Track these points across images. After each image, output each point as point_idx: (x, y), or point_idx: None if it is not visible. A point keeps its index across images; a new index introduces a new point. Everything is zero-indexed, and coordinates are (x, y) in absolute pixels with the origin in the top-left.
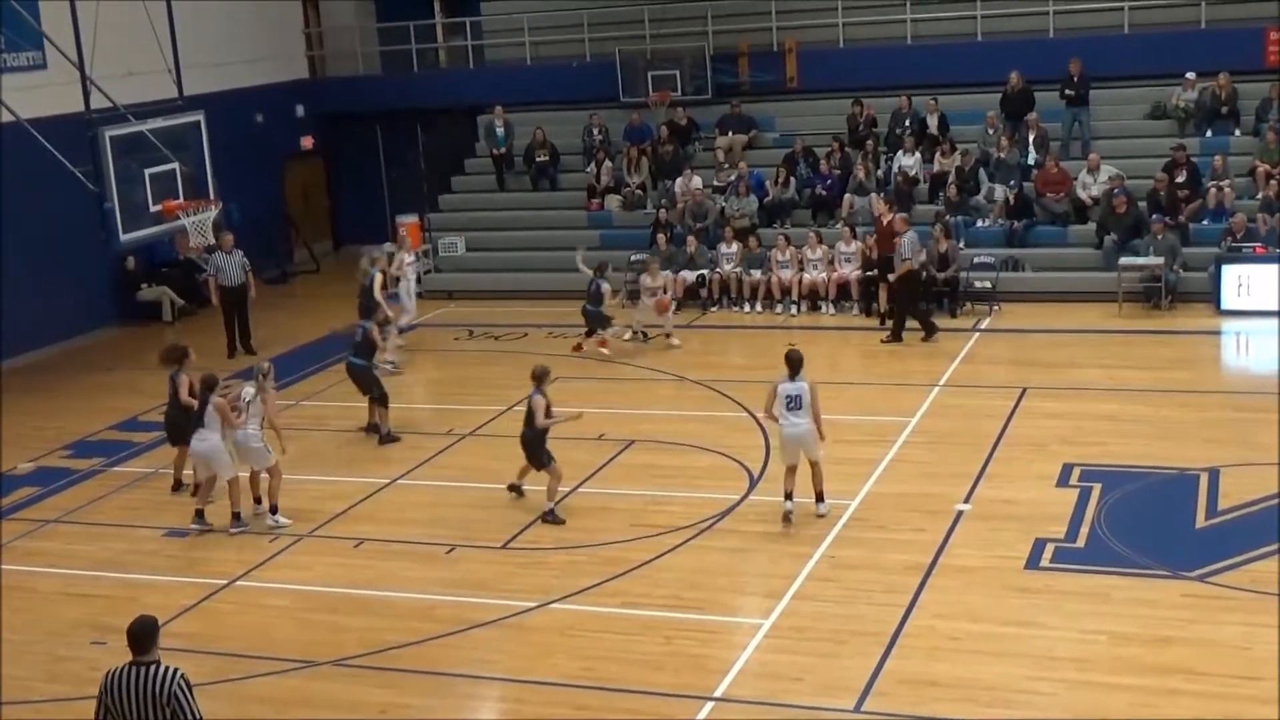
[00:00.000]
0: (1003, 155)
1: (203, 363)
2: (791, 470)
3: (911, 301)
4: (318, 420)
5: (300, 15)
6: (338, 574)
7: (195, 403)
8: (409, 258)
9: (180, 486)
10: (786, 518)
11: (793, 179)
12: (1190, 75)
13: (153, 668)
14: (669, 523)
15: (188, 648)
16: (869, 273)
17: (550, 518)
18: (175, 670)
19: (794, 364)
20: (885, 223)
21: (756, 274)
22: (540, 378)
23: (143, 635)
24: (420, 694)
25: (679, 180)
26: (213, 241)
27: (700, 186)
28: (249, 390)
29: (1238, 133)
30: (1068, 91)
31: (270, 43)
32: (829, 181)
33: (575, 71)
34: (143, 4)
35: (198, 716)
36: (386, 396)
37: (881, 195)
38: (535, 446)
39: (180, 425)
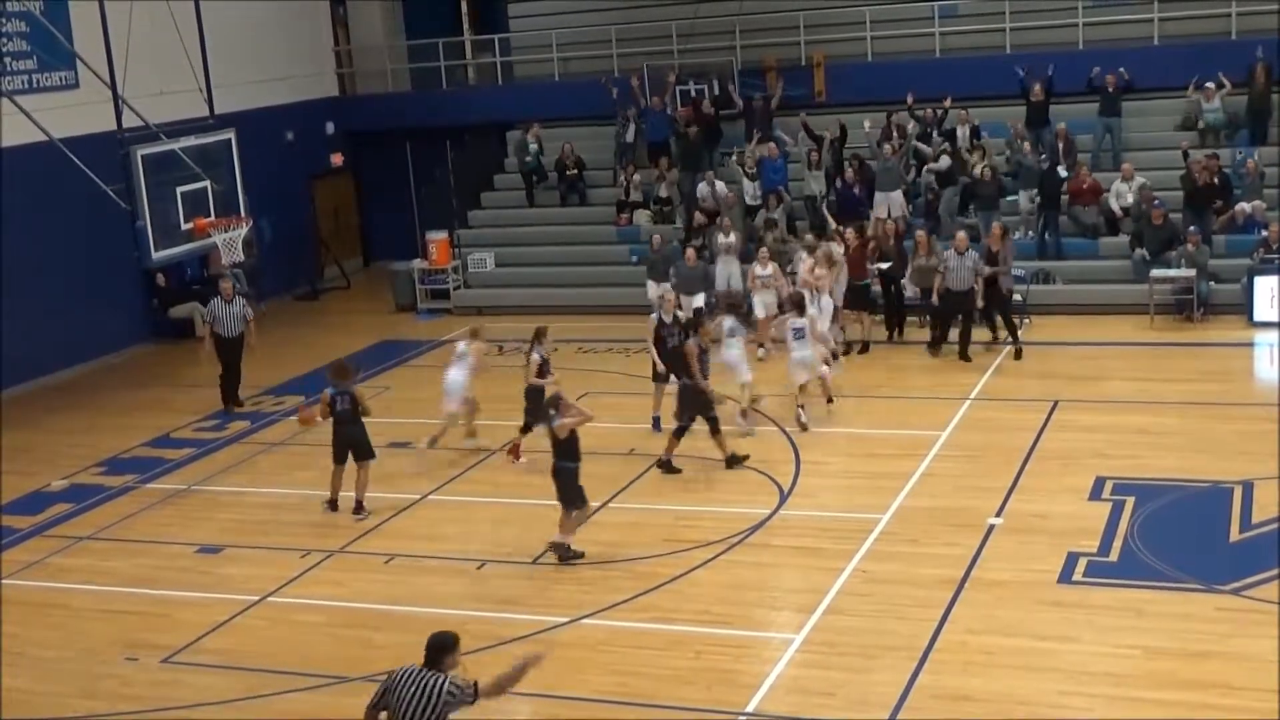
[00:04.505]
0: (1039, 166)
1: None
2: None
3: (956, 316)
4: None
5: (330, 33)
6: (370, 589)
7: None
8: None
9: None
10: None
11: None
12: (1224, 85)
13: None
14: (699, 537)
15: (220, 663)
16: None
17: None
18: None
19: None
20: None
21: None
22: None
23: (438, 648)
24: None
25: (701, 185)
26: (243, 258)
27: (727, 191)
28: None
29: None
30: (1100, 101)
31: (300, 61)
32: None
33: (603, 87)
34: (174, 23)
35: None
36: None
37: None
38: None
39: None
